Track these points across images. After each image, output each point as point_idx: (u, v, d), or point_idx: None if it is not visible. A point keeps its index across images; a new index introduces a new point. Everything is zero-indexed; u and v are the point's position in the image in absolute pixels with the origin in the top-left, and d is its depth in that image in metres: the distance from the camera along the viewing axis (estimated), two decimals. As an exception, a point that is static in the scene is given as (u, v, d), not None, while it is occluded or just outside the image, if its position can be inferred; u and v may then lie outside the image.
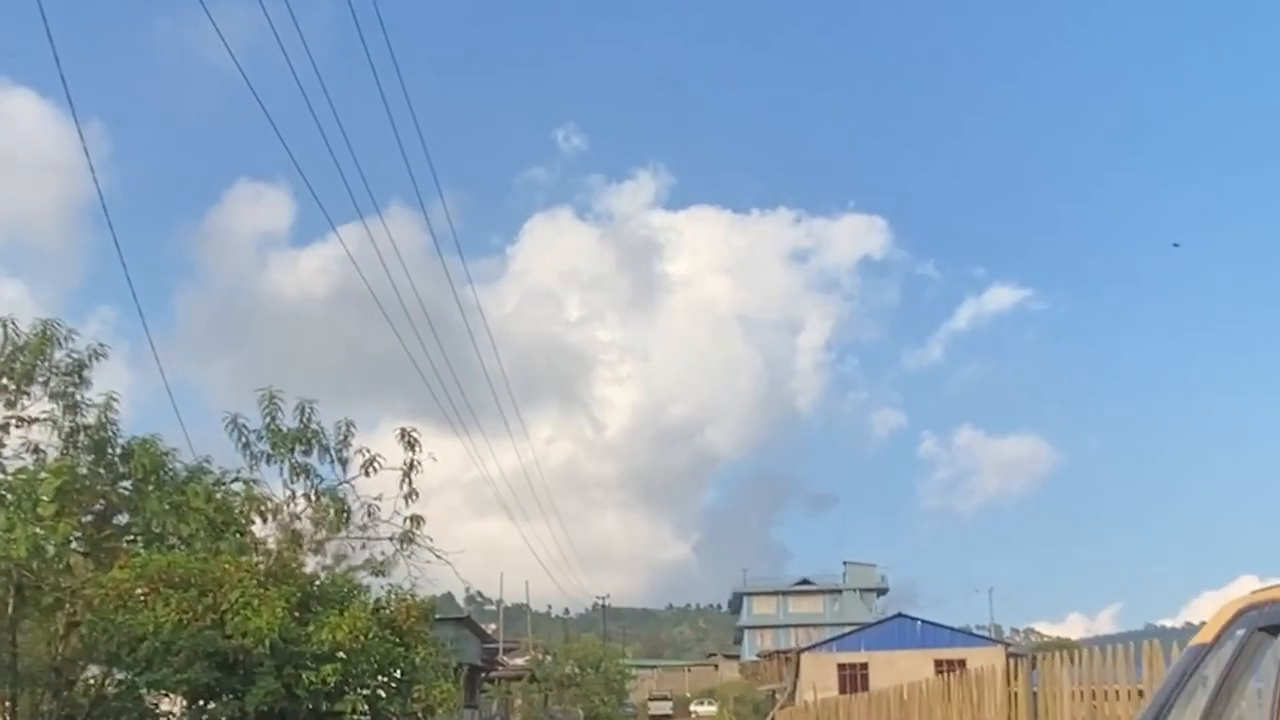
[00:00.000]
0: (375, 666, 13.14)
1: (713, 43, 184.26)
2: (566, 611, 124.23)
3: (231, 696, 12.56)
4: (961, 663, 48.87)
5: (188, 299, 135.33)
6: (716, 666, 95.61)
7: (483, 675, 35.45)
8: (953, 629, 52.14)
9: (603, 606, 78.16)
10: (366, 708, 12.95)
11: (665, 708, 76.44)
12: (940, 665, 49.85)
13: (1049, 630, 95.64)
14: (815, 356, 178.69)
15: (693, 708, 77.05)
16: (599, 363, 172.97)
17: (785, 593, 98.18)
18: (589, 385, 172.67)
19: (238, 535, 14.00)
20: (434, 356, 24.29)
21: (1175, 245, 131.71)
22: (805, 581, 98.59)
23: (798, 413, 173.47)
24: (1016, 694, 13.12)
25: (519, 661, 49.63)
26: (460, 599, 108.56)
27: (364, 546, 13.90)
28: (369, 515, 13.58)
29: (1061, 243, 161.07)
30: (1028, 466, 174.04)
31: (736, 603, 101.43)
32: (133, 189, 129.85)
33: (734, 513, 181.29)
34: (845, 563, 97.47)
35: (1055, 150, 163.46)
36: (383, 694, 13.28)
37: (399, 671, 13.56)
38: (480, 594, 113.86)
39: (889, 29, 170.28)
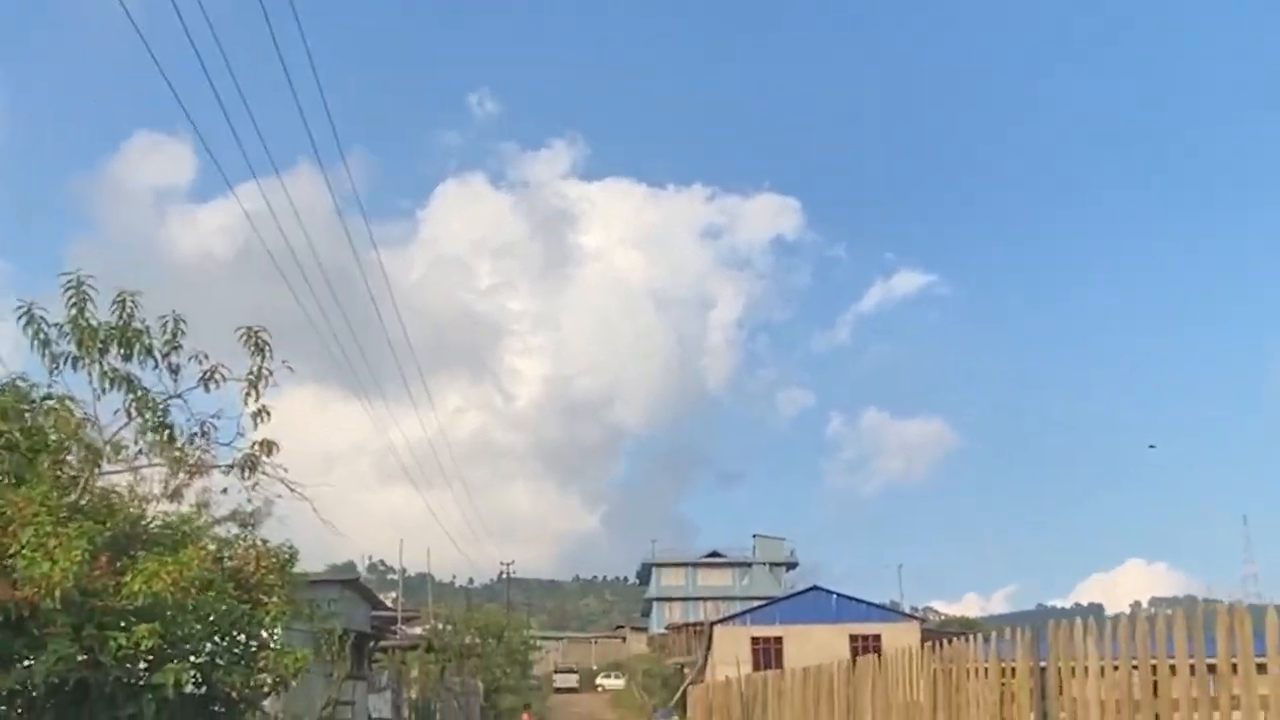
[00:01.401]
0: (210, 628, 10.38)
1: (634, 15, 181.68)
2: (471, 582, 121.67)
3: (19, 664, 9.69)
4: (877, 638, 47.56)
5: (80, 251, 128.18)
6: (624, 639, 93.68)
7: (373, 644, 32.55)
8: (869, 603, 50.70)
9: (507, 575, 75.57)
10: (197, 678, 10.18)
11: (571, 680, 74.18)
12: (855, 641, 48.42)
13: (946, 609, 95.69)
14: (726, 334, 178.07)
15: (599, 680, 74.98)
16: (510, 333, 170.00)
17: (694, 565, 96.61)
18: (499, 355, 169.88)
19: (57, 465, 11.08)
20: (338, 321, 23.61)
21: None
22: (715, 554, 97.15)
23: (708, 389, 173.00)
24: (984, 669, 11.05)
25: (417, 631, 46.76)
26: (362, 568, 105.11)
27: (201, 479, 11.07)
28: (202, 436, 10.73)
29: (966, 231, 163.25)
30: (930, 449, 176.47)
31: (645, 574, 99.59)
32: (25, 138, 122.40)
33: (643, 486, 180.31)
34: (755, 536, 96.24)
35: (966, 142, 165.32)
36: (220, 662, 10.50)
37: (243, 635, 10.82)
38: (383, 563, 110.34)
39: (811, 14, 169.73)
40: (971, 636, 12.10)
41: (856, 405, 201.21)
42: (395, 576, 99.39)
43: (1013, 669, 10.69)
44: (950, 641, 12.25)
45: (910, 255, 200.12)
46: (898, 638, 32.27)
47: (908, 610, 57.07)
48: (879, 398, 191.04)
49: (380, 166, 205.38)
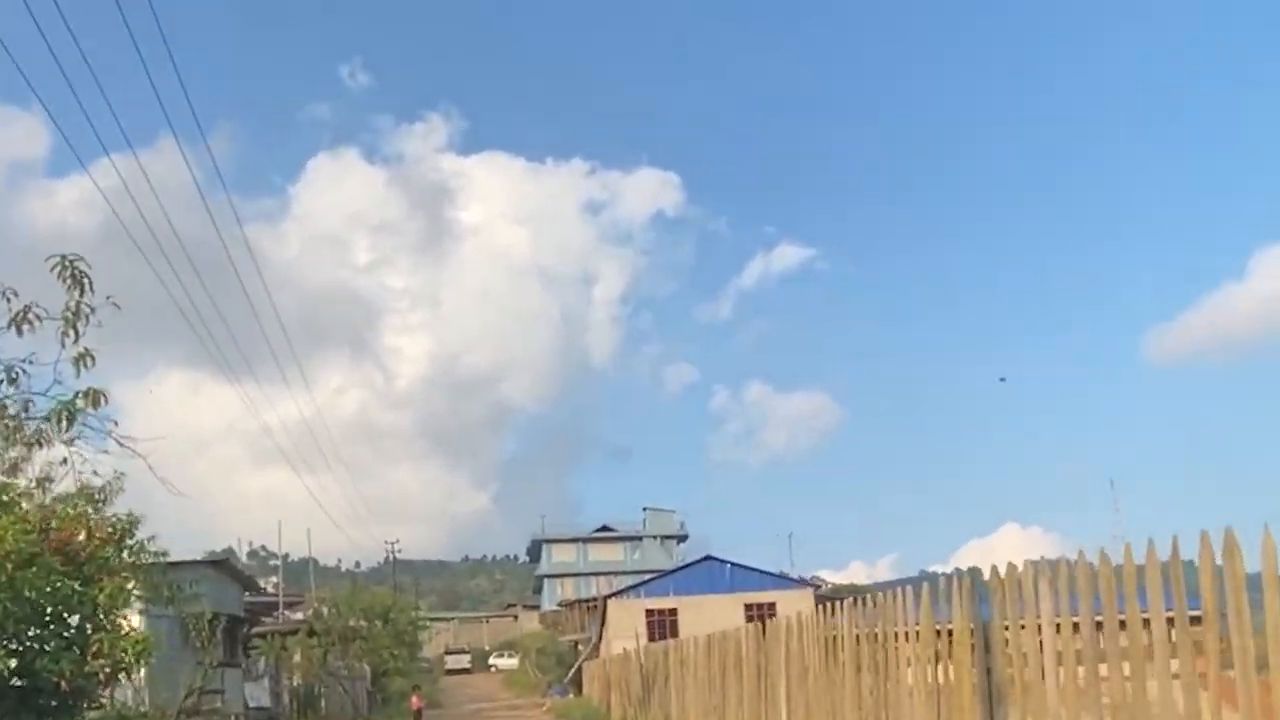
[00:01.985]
0: (33, 610, 8.79)
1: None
2: (358, 565, 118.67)
3: None
4: (772, 606, 47.26)
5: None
6: (516, 617, 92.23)
7: (248, 629, 30.57)
8: (763, 572, 50.39)
9: (393, 554, 73.32)
10: (13, 666, 8.57)
11: (463, 661, 72.46)
12: (751, 609, 48.10)
13: (833, 578, 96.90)
14: (610, 310, 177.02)
15: (492, 660, 73.47)
16: (390, 310, 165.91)
17: (585, 540, 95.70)
18: (380, 333, 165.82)
19: None
20: (207, 302, 23.33)
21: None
22: (605, 528, 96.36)
23: (593, 365, 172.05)
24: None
25: (299, 616, 44.66)
26: (242, 554, 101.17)
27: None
28: (10, 383, 9.03)
29: (845, 205, 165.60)
30: (813, 421, 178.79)
31: (535, 551, 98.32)
32: None
33: (531, 464, 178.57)
34: (645, 509, 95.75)
35: (843, 117, 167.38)
36: (47, 649, 8.91)
37: (75, 617, 9.24)
38: (264, 548, 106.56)
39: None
40: (899, 593, 11.20)
41: (741, 379, 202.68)
42: (277, 562, 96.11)
43: (948, 630, 9.85)
44: (857, 601, 11.36)
45: (791, 229, 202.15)
46: (792, 605, 31.74)
47: (798, 579, 56.98)
48: (763, 371, 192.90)
49: (250, 141, 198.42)
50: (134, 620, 22.27)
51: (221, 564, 27.26)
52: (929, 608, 10.05)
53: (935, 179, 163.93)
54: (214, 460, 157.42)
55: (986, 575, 10.02)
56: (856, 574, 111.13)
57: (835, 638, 11.89)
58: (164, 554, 18.38)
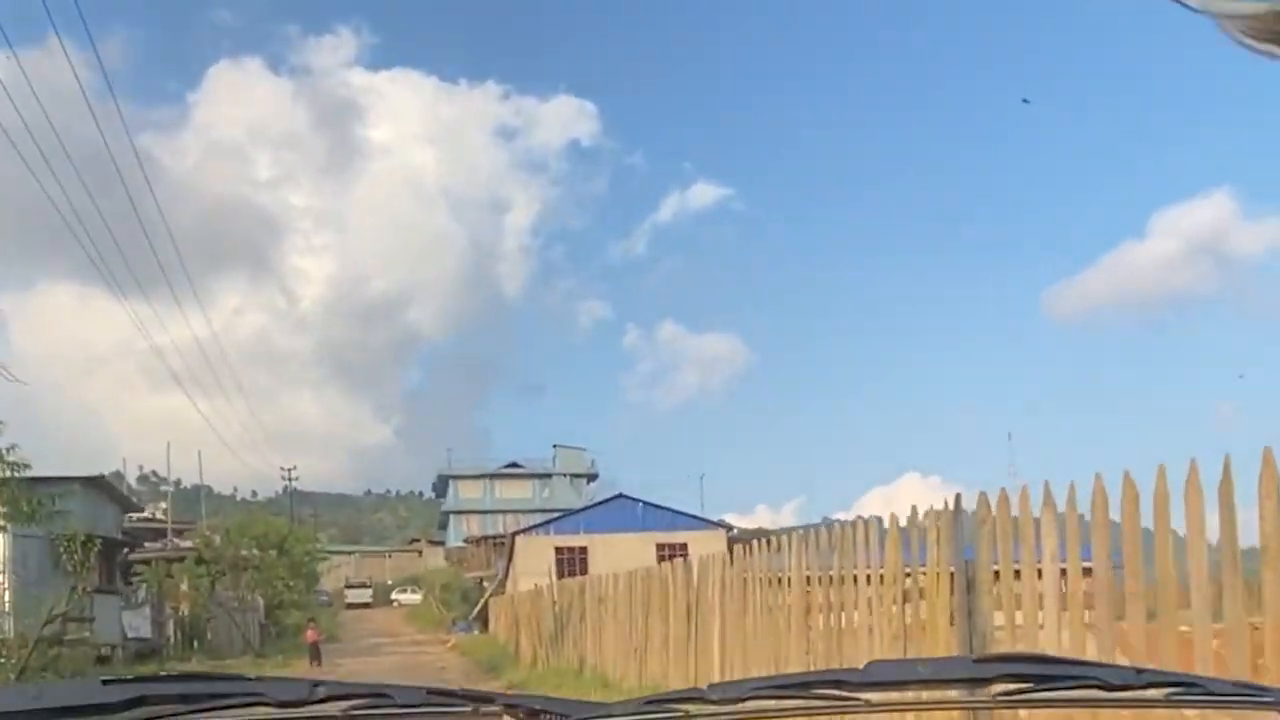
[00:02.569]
0: None
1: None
2: (254, 494, 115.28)
3: None
4: (684, 546, 46.38)
5: None
6: (420, 553, 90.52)
7: (126, 553, 28.41)
8: (675, 511, 49.41)
9: (289, 481, 70.68)
10: None
11: (365, 595, 70.51)
12: (663, 549, 47.11)
13: (739, 521, 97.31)
14: (521, 240, 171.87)
15: (395, 595, 71.74)
16: (292, 230, 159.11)
17: (493, 476, 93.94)
18: (281, 254, 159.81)
19: None
20: (95, 211, 21.75)
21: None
22: (514, 465, 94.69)
23: (504, 297, 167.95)
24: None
25: (189, 544, 42.36)
26: (132, 479, 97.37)
27: None
28: None
29: (765, 148, 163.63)
30: (724, 364, 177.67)
31: (441, 486, 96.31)
32: None
33: (437, 396, 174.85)
34: (555, 446, 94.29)
35: (765, 54, 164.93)
36: None
37: None
38: (154, 473, 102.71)
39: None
40: (855, 527, 9.87)
41: (653, 318, 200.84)
42: (169, 489, 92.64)
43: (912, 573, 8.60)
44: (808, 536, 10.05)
45: (708, 167, 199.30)
46: (705, 546, 30.67)
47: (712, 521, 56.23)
48: (676, 311, 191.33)
49: (147, 45, 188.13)
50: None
51: (95, 481, 25.04)
52: (897, 545, 8.78)
53: (849, 129, 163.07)
54: (105, 380, 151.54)
55: (886, 524, 9.00)
56: (762, 519, 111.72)
57: (781, 578, 10.60)
58: (24, 465, 16.35)
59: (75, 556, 22.39)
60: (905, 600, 8.76)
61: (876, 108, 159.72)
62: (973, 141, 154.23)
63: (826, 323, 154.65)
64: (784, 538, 10.83)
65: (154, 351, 53.92)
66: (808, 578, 10.16)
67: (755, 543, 11.11)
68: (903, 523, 8.59)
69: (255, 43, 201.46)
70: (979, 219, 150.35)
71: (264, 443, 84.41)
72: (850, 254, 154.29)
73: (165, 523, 45.86)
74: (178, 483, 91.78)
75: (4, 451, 16.81)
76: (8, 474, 16.68)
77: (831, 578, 9.54)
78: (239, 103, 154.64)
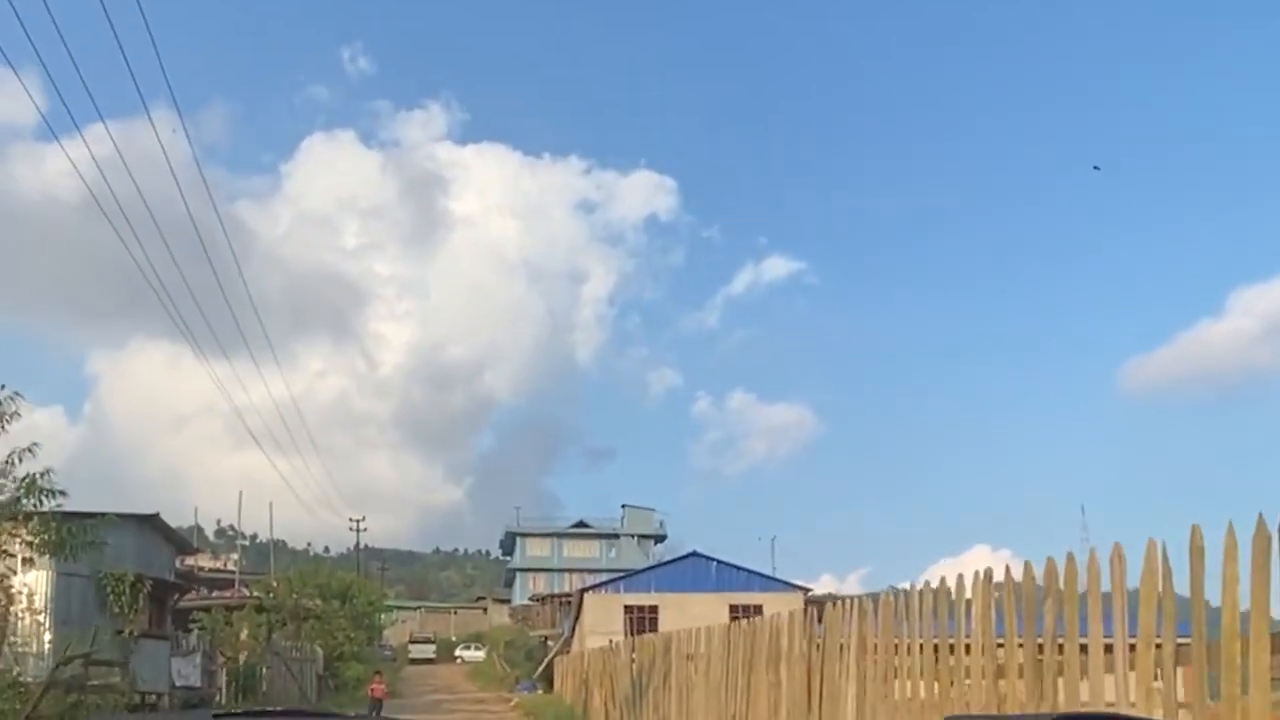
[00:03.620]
0: None
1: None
2: (327, 550, 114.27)
3: None
4: (759, 608, 43.53)
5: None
6: (485, 610, 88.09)
7: (177, 597, 26.58)
8: (750, 571, 46.62)
9: (357, 531, 68.88)
10: None
11: (428, 651, 68.12)
12: (736, 611, 44.35)
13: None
14: (597, 309, 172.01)
15: (458, 652, 69.23)
16: (376, 297, 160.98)
17: (560, 535, 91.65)
18: (365, 319, 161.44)
19: None
20: (190, 277, 22.24)
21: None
22: (582, 524, 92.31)
23: (577, 364, 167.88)
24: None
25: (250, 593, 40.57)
26: (210, 531, 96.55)
27: None
28: None
29: (837, 222, 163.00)
30: (793, 432, 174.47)
31: (509, 544, 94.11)
32: None
33: (508, 459, 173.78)
34: (624, 506, 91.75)
35: (843, 132, 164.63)
36: None
37: None
38: (232, 528, 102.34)
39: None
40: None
41: (724, 386, 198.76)
42: (245, 542, 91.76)
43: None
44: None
45: (783, 242, 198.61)
46: (781, 609, 28.14)
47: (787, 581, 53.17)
48: (746, 380, 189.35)
49: (244, 119, 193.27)
50: (38, 577, 18.28)
51: (149, 520, 23.23)
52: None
53: (922, 206, 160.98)
54: (189, 437, 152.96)
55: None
56: (827, 586, 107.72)
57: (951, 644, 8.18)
58: (59, 491, 14.48)
59: (123, 598, 20.59)
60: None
61: (950, 185, 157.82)
62: (1048, 216, 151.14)
63: (897, 394, 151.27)
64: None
65: (236, 411, 53.46)
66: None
67: (910, 595, 8.74)
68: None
69: (348, 117, 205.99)
70: (1054, 294, 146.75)
71: (338, 500, 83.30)
72: (922, 328, 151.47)
73: (234, 573, 44.24)
74: (253, 536, 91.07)
75: (37, 477, 15.01)
76: (39, 501, 14.85)
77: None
78: (330, 174, 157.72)
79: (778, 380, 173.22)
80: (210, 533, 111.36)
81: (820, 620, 10.59)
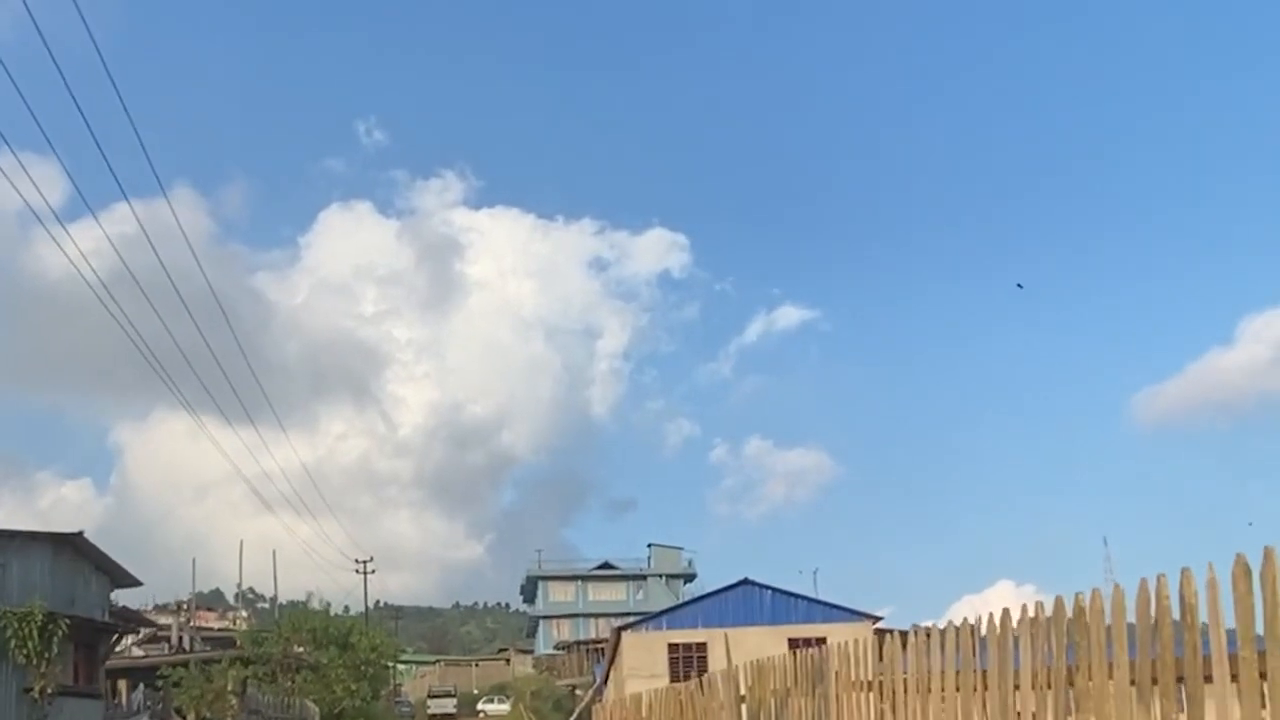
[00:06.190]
0: None
1: (525, 48, 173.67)
2: (346, 609, 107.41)
3: None
4: (821, 641, 37.18)
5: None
6: (508, 661, 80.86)
7: (114, 640, 20.29)
8: (810, 599, 40.09)
9: (365, 575, 61.94)
10: None
11: (448, 705, 60.83)
12: (796, 645, 37.86)
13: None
14: (612, 364, 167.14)
15: (481, 706, 62.03)
16: (395, 360, 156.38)
17: (584, 578, 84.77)
18: (384, 382, 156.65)
19: None
20: (215, 347, 22.20)
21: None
22: (607, 565, 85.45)
23: (594, 419, 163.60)
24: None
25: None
26: (230, 595, 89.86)
27: None
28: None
29: (852, 270, 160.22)
30: (811, 477, 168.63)
31: (530, 590, 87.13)
32: None
33: (528, 514, 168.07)
34: (650, 545, 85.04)
35: (851, 183, 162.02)
36: None
37: None
38: (252, 590, 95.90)
39: (699, 54, 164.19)
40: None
41: (741, 434, 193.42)
42: (265, 605, 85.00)
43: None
44: None
45: (795, 291, 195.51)
46: (849, 638, 22.06)
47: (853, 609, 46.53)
48: (762, 427, 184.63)
49: (262, 193, 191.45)
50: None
51: (67, 540, 16.95)
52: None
53: (932, 245, 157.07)
54: (214, 504, 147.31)
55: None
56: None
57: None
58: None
59: (29, 642, 14.43)
60: None
61: (958, 231, 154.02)
62: (1058, 257, 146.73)
63: (914, 434, 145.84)
64: None
65: (256, 477, 49.01)
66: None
67: None
68: None
69: (365, 188, 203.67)
70: (1065, 329, 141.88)
71: (358, 560, 77.38)
72: (936, 369, 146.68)
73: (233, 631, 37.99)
74: (273, 599, 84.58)
75: None
76: None
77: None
78: (347, 243, 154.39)
79: (794, 425, 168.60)
80: (230, 596, 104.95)
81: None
